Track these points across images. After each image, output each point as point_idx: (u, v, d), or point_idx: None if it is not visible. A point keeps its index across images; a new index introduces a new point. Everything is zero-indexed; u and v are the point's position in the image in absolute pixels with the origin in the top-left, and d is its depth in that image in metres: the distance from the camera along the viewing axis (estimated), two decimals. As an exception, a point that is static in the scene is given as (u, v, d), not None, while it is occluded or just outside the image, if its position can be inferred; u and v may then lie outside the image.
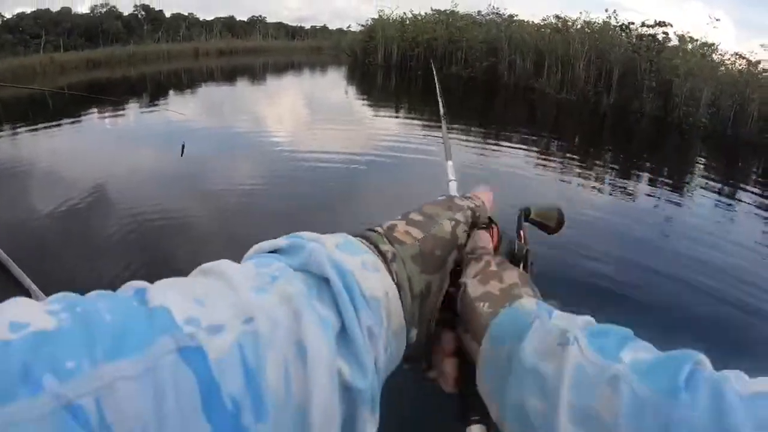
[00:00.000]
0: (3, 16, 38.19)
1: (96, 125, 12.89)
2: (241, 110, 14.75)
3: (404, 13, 29.02)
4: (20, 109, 15.78)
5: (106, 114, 13.98)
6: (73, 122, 12.93)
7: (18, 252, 3.93)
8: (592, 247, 5.01)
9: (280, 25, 64.47)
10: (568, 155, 9.80)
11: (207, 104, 16.32)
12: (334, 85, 22.93)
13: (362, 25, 31.22)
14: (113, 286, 0.30)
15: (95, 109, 14.65)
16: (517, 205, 0.64)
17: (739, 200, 7.75)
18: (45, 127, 11.81)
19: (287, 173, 7.61)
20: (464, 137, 10.64)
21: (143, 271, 4.40)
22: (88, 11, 45.47)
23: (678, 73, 13.52)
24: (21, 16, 38.94)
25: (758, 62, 13.44)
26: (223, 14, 64.36)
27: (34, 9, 41.67)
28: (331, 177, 7.45)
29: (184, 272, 0.37)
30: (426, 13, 28.28)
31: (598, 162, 9.27)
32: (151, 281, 0.32)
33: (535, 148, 10.09)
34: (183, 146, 6.13)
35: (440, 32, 24.77)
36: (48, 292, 1.19)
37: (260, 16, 65.20)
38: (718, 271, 4.77)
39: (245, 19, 63.95)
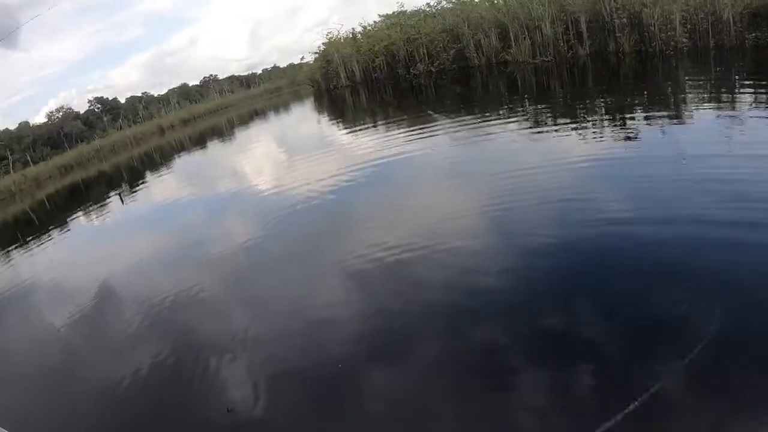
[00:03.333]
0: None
1: (84, 229, 13.07)
2: (224, 170, 14.95)
3: (352, 28, 29.46)
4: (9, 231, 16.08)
5: (94, 214, 14.20)
6: (63, 231, 13.12)
7: None
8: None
9: (233, 79, 65.72)
10: (563, 115, 9.86)
11: (187, 177, 16.55)
12: (305, 119, 23.22)
13: (315, 53, 31.63)
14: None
15: (80, 213, 14.90)
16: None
17: (741, 104, 7.74)
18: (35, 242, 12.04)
19: (282, 219, 7.70)
20: (455, 127, 10.73)
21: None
22: (46, 119, 46.50)
23: (644, 1, 13.65)
24: (-19, 143, 39.76)
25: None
26: (175, 84, 65.88)
27: (-8, 132, 42.61)
28: (328, 208, 7.57)
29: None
30: (374, 22, 28.74)
31: (594, 113, 9.29)
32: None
33: (527, 118, 10.16)
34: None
35: (395, 36, 25.06)
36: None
37: (211, 75, 66.59)
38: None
39: (198, 83, 65.33)
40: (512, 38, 19.10)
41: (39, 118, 48.37)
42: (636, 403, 2.45)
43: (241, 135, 24.46)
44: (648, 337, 3.08)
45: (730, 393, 2.57)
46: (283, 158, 13.62)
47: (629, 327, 3.22)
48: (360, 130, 14.39)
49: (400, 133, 11.89)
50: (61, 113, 47.17)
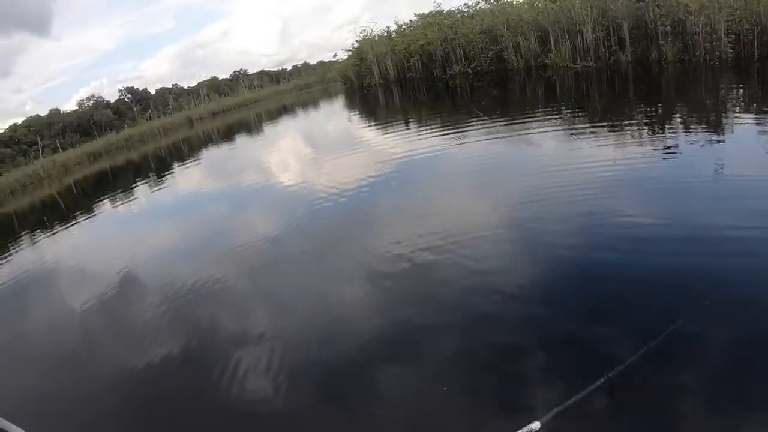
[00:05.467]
0: (-5, 133, 40.40)
1: (109, 215, 13.57)
2: (251, 164, 15.37)
3: (387, 27, 29.73)
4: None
5: (120, 202, 14.72)
6: (89, 217, 13.66)
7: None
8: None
9: (262, 74, 66.83)
10: (600, 124, 9.96)
11: (214, 169, 17.02)
12: (335, 116, 23.69)
13: (348, 50, 32.16)
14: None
15: (107, 200, 15.46)
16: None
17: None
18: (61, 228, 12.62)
19: (306, 215, 8.04)
20: (489, 130, 10.92)
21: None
22: (76, 107, 48.00)
23: (689, 9, 13.64)
24: (14, 128, 41.26)
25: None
26: (205, 77, 67.36)
27: (24, 118, 44.18)
28: (353, 206, 7.88)
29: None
30: (410, 21, 29.02)
31: (633, 123, 9.29)
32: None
33: (564, 124, 10.23)
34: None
35: (432, 35, 25.33)
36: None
37: (241, 70, 67.91)
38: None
39: (228, 76, 66.61)
40: (552, 42, 19.18)
41: (69, 106, 50.05)
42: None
43: (270, 130, 24.98)
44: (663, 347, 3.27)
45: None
46: (311, 154, 14.00)
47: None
48: (391, 129, 14.68)
49: (431, 134, 12.15)
50: (91, 101, 48.66)
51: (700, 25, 13.48)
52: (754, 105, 8.92)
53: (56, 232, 12.46)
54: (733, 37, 13.06)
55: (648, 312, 3.55)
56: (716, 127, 7.79)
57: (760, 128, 7.20)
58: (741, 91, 10.45)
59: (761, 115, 8.09)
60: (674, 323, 3.17)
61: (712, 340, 3.13)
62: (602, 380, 2.48)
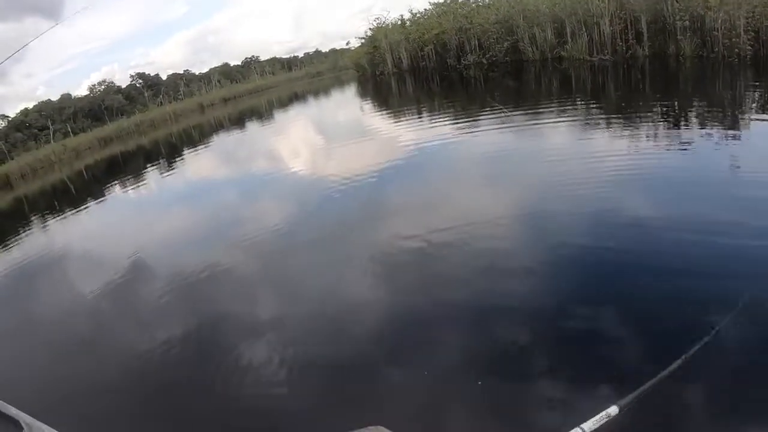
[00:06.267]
0: (7, 117, 40.79)
1: (119, 200, 13.73)
2: (261, 151, 15.47)
3: (401, 15, 29.72)
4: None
5: (130, 187, 14.88)
6: (99, 202, 13.83)
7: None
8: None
9: (274, 61, 66.67)
10: (615, 118, 9.95)
11: (224, 156, 17.12)
12: (347, 104, 23.67)
13: (362, 38, 32.13)
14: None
15: (117, 185, 15.63)
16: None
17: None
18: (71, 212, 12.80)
19: (315, 204, 8.13)
20: (506, 123, 10.89)
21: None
22: (87, 92, 48.26)
23: (708, 4, 13.52)
24: (25, 113, 41.63)
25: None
26: (216, 63, 67.31)
27: (35, 102, 44.54)
28: (364, 195, 7.96)
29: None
30: (425, 9, 28.94)
31: (649, 119, 9.26)
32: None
33: (578, 118, 10.28)
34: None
35: (447, 24, 25.25)
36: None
37: (253, 56, 67.77)
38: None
39: (240, 63, 66.57)
40: (568, 34, 19.09)
41: (81, 91, 50.20)
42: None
43: (281, 117, 25.06)
44: (662, 332, 3.36)
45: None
46: (322, 143, 14.10)
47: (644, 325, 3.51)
48: (404, 118, 14.74)
49: (443, 124, 12.17)
50: (102, 87, 48.88)
51: (719, 21, 13.36)
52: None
53: (66, 217, 12.64)
54: (753, 34, 12.94)
55: (715, 289, 3.61)
56: (730, 126, 7.77)
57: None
58: (760, 89, 10.39)
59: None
60: (743, 299, 3.16)
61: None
62: (680, 361, 2.48)
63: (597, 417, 1.89)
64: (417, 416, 3.15)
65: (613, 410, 1.95)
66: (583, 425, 1.82)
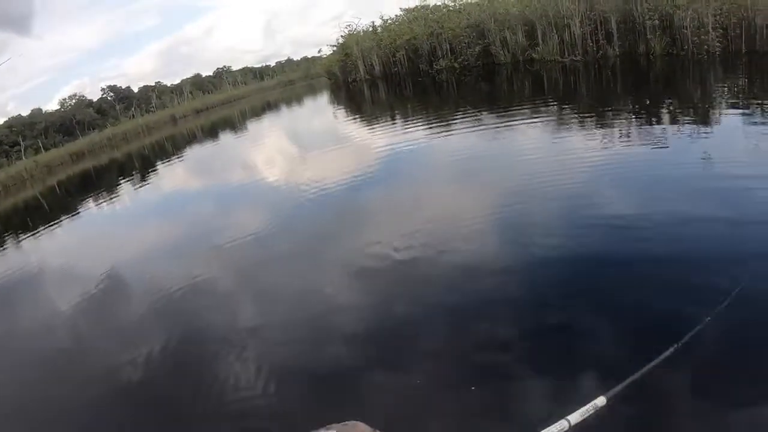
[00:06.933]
0: (-26, 134, 39.93)
1: (94, 216, 13.47)
2: (235, 162, 15.30)
3: (372, 21, 29.81)
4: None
5: (104, 201, 14.62)
6: (72, 217, 13.55)
7: None
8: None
9: (246, 70, 66.62)
10: (588, 117, 10.03)
11: (198, 168, 16.95)
12: (320, 112, 23.50)
13: (333, 46, 32.06)
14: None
15: (91, 200, 15.35)
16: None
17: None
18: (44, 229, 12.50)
19: (291, 212, 8.02)
20: (480, 125, 10.96)
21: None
22: (59, 106, 47.52)
23: (677, 3, 13.74)
24: (-6, 129, 40.74)
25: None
26: (188, 74, 66.92)
27: (6, 118, 43.68)
28: (339, 203, 7.86)
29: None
30: (396, 15, 29.03)
31: (621, 117, 9.35)
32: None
33: (551, 119, 10.31)
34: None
35: (418, 30, 25.34)
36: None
37: (225, 66, 67.53)
38: None
39: (211, 74, 66.26)
40: (539, 36, 19.25)
41: (52, 105, 49.59)
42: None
43: (254, 127, 24.90)
44: (641, 333, 3.30)
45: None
46: (296, 152, 13.95)
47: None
48: (377, 124, 14.70)
49: (416, 129, 12.16)
50: (74, 101, 48.20)
51: (688, 20, 13.59)
52: (743, 99, 9.01)
53: (40, 234, 12.34)
54: (721, 31, 13.18)
55: (711, 277, 3.60)
56: (700, 121, 7.87)
57: (747, 121, 7.31)
58: (728, 84, 10.56)
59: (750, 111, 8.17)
60: (739, 286, 3.11)
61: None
62: (669, 352, 2.44)
63: (583, 408, 1.85)
64: (396, 411, 3.10)
65: (601, 401, 1.91)
66: (569, 417, 1.78)
